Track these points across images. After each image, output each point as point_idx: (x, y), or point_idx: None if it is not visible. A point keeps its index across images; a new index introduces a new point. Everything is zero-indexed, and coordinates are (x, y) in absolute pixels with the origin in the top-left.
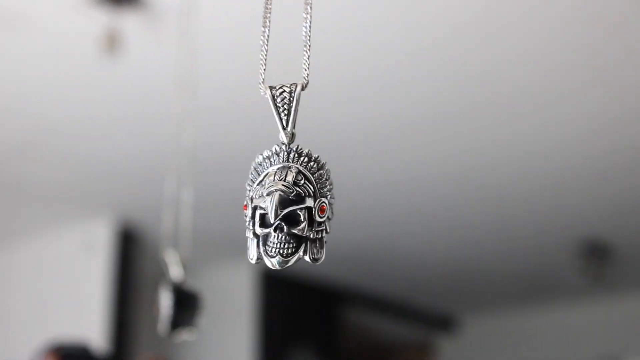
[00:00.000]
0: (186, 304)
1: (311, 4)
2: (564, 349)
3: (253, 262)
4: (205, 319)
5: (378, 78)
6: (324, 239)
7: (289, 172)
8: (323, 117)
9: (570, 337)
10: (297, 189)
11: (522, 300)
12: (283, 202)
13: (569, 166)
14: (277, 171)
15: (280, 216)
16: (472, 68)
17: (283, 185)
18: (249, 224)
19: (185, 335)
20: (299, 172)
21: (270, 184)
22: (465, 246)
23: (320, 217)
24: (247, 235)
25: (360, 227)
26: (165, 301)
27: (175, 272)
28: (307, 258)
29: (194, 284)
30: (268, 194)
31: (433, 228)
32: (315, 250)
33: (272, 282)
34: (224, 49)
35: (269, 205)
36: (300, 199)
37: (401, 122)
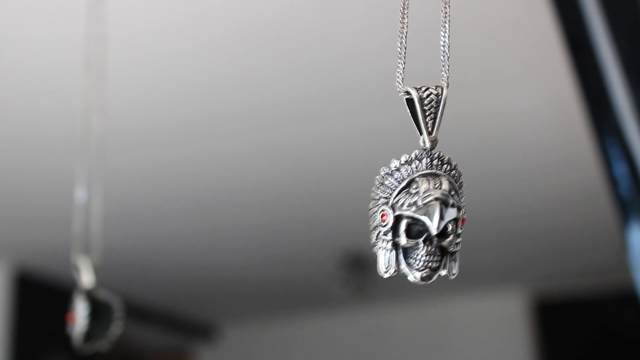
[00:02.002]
0: (101, 314)
1: (449, 2)
2: (324, 358)
3: (387, 275)
4: None
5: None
6: (458, 253)
7: (442, 180)
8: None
9: (330, 347)
10: (452, 199)
11: (286, 309)
12: (443, 213)
13: (335, 178)
14: (428, 179)
15: (441, 228)
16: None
17: (442, 194)
18: (386, 234)
19: (99, 347)
20: (448, 180)
21: (427, 193)
22: (226, 252)
23: (461, 229)
24: (380, 245)
25: (116, 230)
26: (81, 311)
27: (88, 279)
28: (444, 273)
29: None
30: (426, 204)
31: (192, 233)
32: (453, 265)
33: (26, 286)
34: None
35: (432, 215)
36: (453, 210)
37: (154, 121)
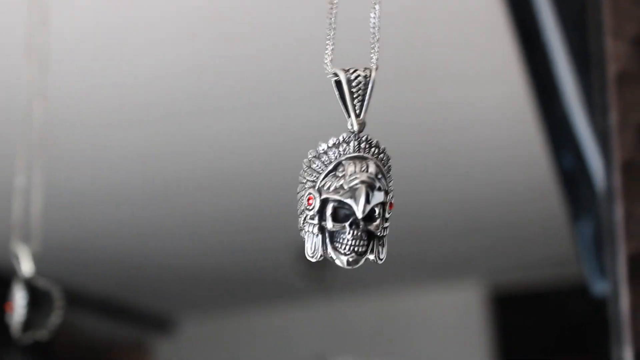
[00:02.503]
0: (41, 303)
1: None
2: (282, 349)
3: (313, 259)
4: None
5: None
6: (386, 238)
7: (369, 163)
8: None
9: (288, 338)
10: (378, 182)
11: (243, 301)
12: (369, 196)
13: (292, 167)
14: (355, 162)
15: (367, 211)
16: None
17: (369, 177)
18: (312, 218)
19: (38, 337)
20: (375, 164)
21: (353, 176)
22: (181, 241)
23: (388, 214)
24: (307, 229)
25: (70, 221)
26: (19, 300)
27: (27, 267)
28: (372, 257)
29: None
30: (352, 187)
31: (143, 222)
32: (380, 249)
33: None
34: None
35: (357, 199)
36: (380, 194)
37: (97, 106)
